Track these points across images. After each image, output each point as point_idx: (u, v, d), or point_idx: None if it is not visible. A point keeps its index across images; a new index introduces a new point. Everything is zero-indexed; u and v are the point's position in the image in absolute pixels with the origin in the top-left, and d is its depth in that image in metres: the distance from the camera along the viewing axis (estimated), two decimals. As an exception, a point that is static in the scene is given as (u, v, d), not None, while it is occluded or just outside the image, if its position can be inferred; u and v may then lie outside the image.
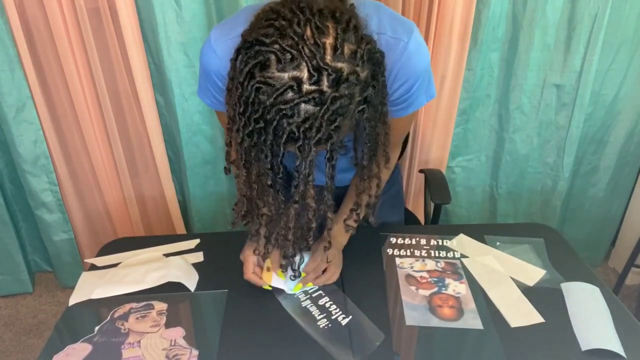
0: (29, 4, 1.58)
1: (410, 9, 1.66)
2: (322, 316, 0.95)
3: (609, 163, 1.94)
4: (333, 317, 0.93)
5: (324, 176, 1.11)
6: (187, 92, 1.76)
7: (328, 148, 0.68)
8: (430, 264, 1.09)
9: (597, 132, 1.88)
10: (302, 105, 0.63)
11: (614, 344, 0.85)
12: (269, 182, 0.71)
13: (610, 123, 1.86)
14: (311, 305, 0.97)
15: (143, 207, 2.03)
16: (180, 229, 2.06)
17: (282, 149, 0.66)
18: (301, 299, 0.99)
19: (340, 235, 1.06)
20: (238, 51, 0.66)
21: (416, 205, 2.02)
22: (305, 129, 0.64)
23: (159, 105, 1.81)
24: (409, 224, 1.51)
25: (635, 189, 2.01)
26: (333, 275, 1.03)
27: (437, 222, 1.44)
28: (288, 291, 1.01)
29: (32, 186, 1.86)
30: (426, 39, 1.66)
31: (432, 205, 1.43)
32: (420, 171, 1.59)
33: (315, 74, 0.62)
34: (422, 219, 1.69)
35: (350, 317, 0.92)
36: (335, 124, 0.65)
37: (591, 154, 1.94)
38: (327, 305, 0.97)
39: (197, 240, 1.18)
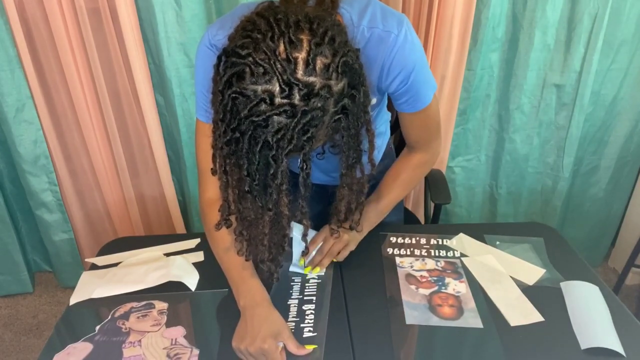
0: (29, 4, 1.58)
1: (410, 9, 1.66)
2: (294, 318, 0.94)
3: (609, 163, 1.94)
4: (301, 325, 0.93)
5: (321, 174, 1.13)
6: (187, 92, 1.76)
7: (301, 157, 0.70)
8: (430, 263, 1.09)
9: (597, 132, 1.89)
10: (275, 117, 0.64)
11: (614, 343, 0.85)
12: (247, 188, 0.73)
13: (610, 123, 1.86)
14: (294, 305, 0.98)
15: (143, 207, 2.03)
16: (180, 229, 2.06)
17: (257, 157, 0.68)
18: (292, 296, 1.00)
19: (365, 221, 1.07)
20: (219, 58, 0.68)
21: (416, 205, 2.03)
22: (278, 139, 0.66)
23: (159, 105, 1.81)
24: (409, 223, 1.51)
25: (635, 189, 2.01)
26: (338, 254, 1.07)
27: (437, 222, 1.45)
28: (300, 270, 1.06)
29: (32, 186, 1.86)
30: (426, 39, 1.67)
31: (432, 205, 1.43)
32: (421, 171, 1.59)
33: (287, 89, 0.63)
34: (422, 219, 1.70)
35: (315, 334, 0.91)
36: (308, 135, 0.67)
37: (591, 154, 1.94)
38: (307, 313, 0.96)
39: (198, 240, 1.18)
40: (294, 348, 0.85)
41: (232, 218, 0.84)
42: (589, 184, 2.00)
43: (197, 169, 1.00)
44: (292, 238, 1.04)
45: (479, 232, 1.18)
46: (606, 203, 2.03)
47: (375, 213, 1.11)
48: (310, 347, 0.87)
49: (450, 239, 1.16)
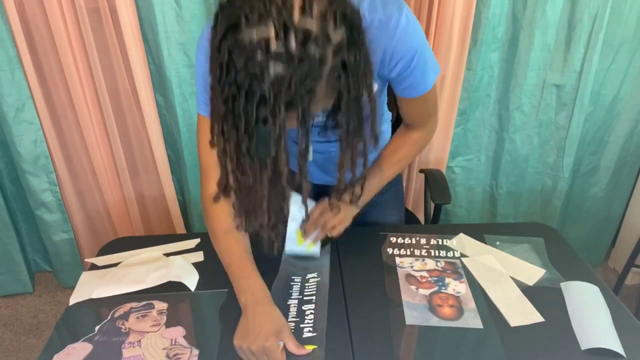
0: (29, 4, 1.58)
1: (410, 9, 1.66)
2: (293, 318, 0.94)
3: (609, 163, 1.94)
4: (301, 326, 0.93)
5: (322, 174, 1.12)
6: (187, 92, 1.76)
7: (300, 113, 0.67)
8: (430, 264, 1.09)
9: (597, 132, 1.89)
10: (271, 65, 0.63)
11: (614, 343, 0.85)
12: (245, 149, 0.71)
13: (610, 123, 1.86)
14: (294, 305, 0.98)
15: (143, 207, 2.03)
16: (180, 229, 2.06)
17: (255, 113, 0.66)
18: (291, 296, 1.00)
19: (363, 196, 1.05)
20: (216, 16, 0.67)
21: (416, 205, 2.03)
22: (276, 91, 0.64)
23: (159, 105, 1.81)
24: (409, 224, 1.51)
25: (635, 189, 2.01)
26: (333, 229, 1.05)
27: (437, 222, 1.45)
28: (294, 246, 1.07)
29: (32, 186, 1.86)
30: (426, 39, 1.66)
31: (432, 205, 1.43)
32: (421, 171, 1.59)
33: (283, 34, 0.62)
34: (422, 219, 1.70)
35: (315, 334, 0.91)
36: (306, 86, 0.65)
37: (591, 154, 1.94)
38: (307, 313, 0.96)
39: (197, 240, 1.18)
40: (293, 347, 0.85)
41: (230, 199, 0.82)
42: (589, 184, 2.00)
43: (199, 165, 0.99)
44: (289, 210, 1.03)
45: (479, 232, 1.18)
46: (606, 203, 2.03)
47: (373, 188, 1.09)
48: (310, 347, 0.87)
49: (450, 239, 1.16)
